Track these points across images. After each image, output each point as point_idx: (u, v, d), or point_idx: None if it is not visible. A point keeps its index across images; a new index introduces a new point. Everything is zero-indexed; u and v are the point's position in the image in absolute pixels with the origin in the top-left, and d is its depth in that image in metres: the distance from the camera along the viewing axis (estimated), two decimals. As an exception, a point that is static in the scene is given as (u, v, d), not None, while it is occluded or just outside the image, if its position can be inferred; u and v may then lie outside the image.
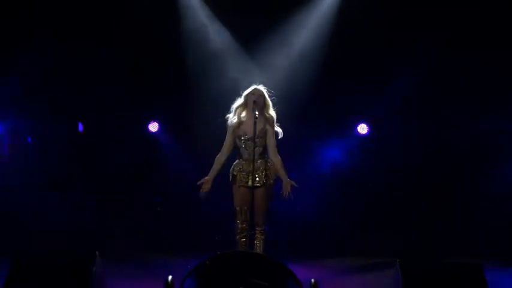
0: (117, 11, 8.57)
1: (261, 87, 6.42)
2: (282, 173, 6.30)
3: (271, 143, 6.36)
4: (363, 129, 9.16)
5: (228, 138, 6.44)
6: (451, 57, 8.63)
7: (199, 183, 6.36)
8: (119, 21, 8.60)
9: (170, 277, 4.25)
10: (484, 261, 5.20)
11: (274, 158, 6.33)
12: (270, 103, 6.43)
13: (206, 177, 6.39)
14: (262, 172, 6.30)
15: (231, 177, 6.41)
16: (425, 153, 9.04)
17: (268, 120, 6.37)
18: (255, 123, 6.11)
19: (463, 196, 8.81)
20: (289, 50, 8.91)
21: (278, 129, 6.40)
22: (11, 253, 5.30)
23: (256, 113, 6.16)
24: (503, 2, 8.47)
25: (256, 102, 6.27)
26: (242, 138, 6.35)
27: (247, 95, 6.38)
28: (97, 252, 5.09)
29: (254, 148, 6.17)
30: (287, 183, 6.23)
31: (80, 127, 9.19)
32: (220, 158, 6.44)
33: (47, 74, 8.82)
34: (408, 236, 8.64)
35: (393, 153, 9.05)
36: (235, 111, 6.41)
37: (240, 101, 6.42)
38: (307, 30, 8.88)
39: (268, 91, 6.44)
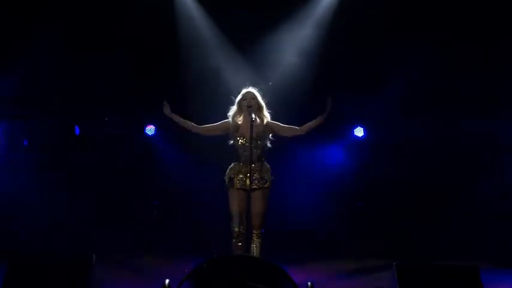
0: (116, 14, 8.57)
1: (252, 90, 6.44)
2: (315, 121, 6.39)
3: (287, 129, 6.43)
4: (359, 132, 9.16)
5: (217, 124, 6.47)
6: (450, 58, 8.63)
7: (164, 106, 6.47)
8: (116, 24, 8.60)
9: (167, 280, 4.26)
10: (479, 263, 5.20)
11: (299, 129, 6.41)
12: (264, 104, 6.45)
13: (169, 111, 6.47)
14: (259, 175, 6.31)
15: (227, 180, 6.41)
16: (422, 154, 9.03)
17: (267, 123, 6.39)
18: (251, 126, 6.12)
19: (460, 198, 8.81)
20: (285, 52, 8.91)
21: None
22: (8, 254, 5.31)
23: (253, 116, 6.17)
24: (503, 2, 8.49)
25: (250, 107, 6.29)
26: (240, 141, 6.35)
27: (239, 101, 6.41)
28: (94, 255, 5.11)
29: (251, 151, 6.17)
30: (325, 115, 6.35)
31: (77, 130, 9.18)
32: (193, 127, 6.49)
33: (43, 76, 8.80)
34: (405, 238, 8.64)
35: (390, 156, 9.05)
36: (233, 119, 6.41)
37: (234, 108, 6.43)
38: (304, 31, 8.88)
39: (259, 92, 6.47)
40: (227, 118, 6.48)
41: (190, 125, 6.52)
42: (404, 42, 8.57)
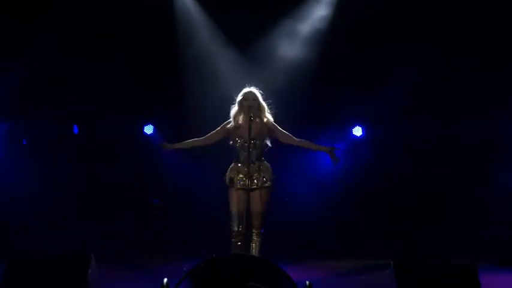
0: (116, 14, 8.57)
1: (254, 90, 6.42)
2: (317, 146, 6.54)
3: (285, 136, 6.42)
4: (358, 131, 9.15)
5: (217, 130, 6.46)
6: (450, 58, 8.62)
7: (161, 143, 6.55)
8: (116, 24, 8.60)
9: (165, 280, 4.26)
10: (479, 263, 5.20)
11: (297, 141, 6.45)
12: (265, 105, 6.44)
13: (168, 144, 6.52)
14: (260, 174, 6.32)
15: (227, 180, 6.41)
16: (422, 154, 9.03)
17: (267, 124, 6.38)
18: (249, 126, 6.13)
19: (460, 198, 8.80)
20: (285, 52, 8.91)
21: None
22: (7, 255, 5.31)
23: (252, 115, 6.17)
24: (503, 2, 8.48)
25: (251, 108, 6.28)
26: (239, 141, 6.35)
27: (240, 101, 6.38)
28: (92, 255, 5.11)
29: (249, 151, 6.18)
30: (329, 150, 6.41)
31: (75, 129, 9.19)
32: (196, 142, 6.53)
33: (43, 76, 8.81)
34: (403, 238, 8.63)
35: (389, 155, 9.04)
36: (234, 119, 6.39)
37: (235, 108, 6.42)
38: (304, 31, 8.89)
39: (261, 93, 6.45)
40: (227, 118, 6.49)
41: (195, 142, 6.54)
42: (404, 42, 8.56)
